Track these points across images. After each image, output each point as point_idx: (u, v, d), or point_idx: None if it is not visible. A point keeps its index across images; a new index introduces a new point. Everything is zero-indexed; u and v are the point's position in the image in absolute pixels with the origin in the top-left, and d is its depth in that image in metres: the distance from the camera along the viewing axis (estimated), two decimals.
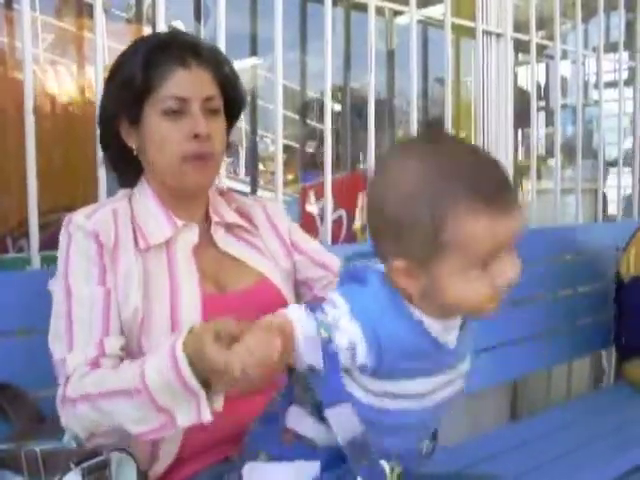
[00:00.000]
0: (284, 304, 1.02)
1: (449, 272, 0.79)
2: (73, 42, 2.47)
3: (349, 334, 0.82)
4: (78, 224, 1.17)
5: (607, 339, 2.39)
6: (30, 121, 1.45)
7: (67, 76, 2.37)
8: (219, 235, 1.27)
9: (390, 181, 0.82)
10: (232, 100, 1.28)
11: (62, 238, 1.19)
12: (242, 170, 3.15)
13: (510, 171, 2.59)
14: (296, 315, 0.85)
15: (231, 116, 1.29)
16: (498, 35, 2.50)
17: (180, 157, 1.18)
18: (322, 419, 0.88)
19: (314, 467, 0.91)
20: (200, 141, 1.18)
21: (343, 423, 0.84)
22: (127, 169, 1.27)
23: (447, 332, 0.88)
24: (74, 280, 1.14)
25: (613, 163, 3.08)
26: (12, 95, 1.52)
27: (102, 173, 1.55)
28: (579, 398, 2.47)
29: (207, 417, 0.97)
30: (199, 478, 1.14)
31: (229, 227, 1.29)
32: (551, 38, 2.72)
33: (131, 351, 1.13)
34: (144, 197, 1.24)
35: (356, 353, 0.82)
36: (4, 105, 1.74)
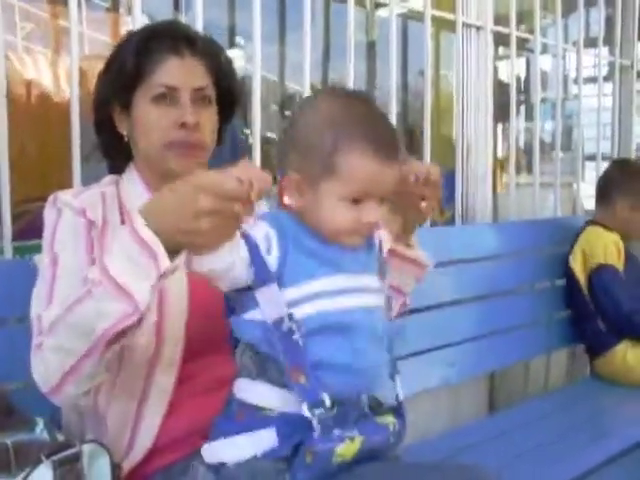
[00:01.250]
0: None
1: (328, 194, 0.95)
2: (52, 31, 2.44)
3: (262, 229, 0.95)
4: (66, 201, 1.17)
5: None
6: (2, 103, 1.43)
7: (45, 65, 2.34)
8: None
9: (306, 113, 1.00)
10: (226, 91, 1.28)
11: (49, 214, 1.18)
12: None
13: (489, 164, 2.60)
14: None
15: (226, 107, 1.29)
16: (478, 28, 2.50)
17: (165, 143, 1.19)
18: (264, 373, 0.96)
19: (270, 436, 0.95)
20: (187, 130, 1.18)
21: (270, 302, 0.94)
22: (118, 156, 1.28)
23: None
24: (61, 250, 1.13)
25: (592, 158, 3.11)
26: None
27: (77, 163, 1.54)
28: (556, 390, 2.50)
29: (165, 265, 0.91)
30: (172, 469, 1.13)
31: None
32: (531, 32, 2.73)
33: None
34: (131, 183, 1.25)
35: (271, 245, 0.95)
36: None
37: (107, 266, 0.94)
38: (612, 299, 2.24)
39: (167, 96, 1.19)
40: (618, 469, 1.88)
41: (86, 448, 1.02)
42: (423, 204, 1.15)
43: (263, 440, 0.95)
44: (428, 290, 1.85)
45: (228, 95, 1.29)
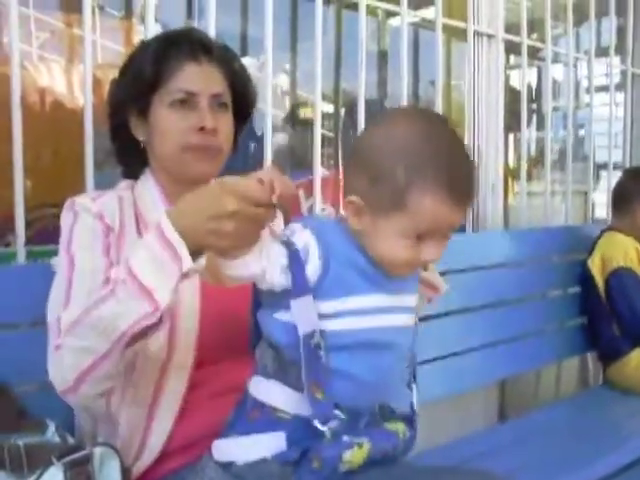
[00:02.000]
0: None
1: (389, 230, 0.91)
2: (66, 39, 2.46)
3: (303, 238, 0.92)
4: (84, 205, 1.19)
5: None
6: (17, 116, 1.45)
7: (59, 73, 2.37)
8: None
9: (381, 135, 0.93)
10: (242, 97, 1.29)
11: (65, 217, 1.19)
12: None
13: (501, 172, 2.59)
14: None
15: (241, 114, 1.30)
16: (489, 36, 2.50)
17: (183, 146, 1.20)
18: (283, 375, 0.94)
19: (279, 439, 0.94)
20: (205, 134, 1.20)
21: (304, 314, 0.91)
22: (133, 161, 1.29)
23: None
24: (78, 252, 1.14)
25: (603, 166, 3.10)
26: (1, 90, 1.51)
27: (90, 170, 1.56)
28: (567, 399, 2.48)
29: (188, 264, 0.92)
30: (182, 473, 1.13)
31: None
32: (543, 41, 2.73)
33: None
34: (147, 188, 1.26)
35: (309, 255, 0.91)
36: None
37: (132, 266, 0.95)
38: (629, 302, 2.24)
39: (186, 101, 1.20)
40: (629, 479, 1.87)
41: (97, 451, 1.03)
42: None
43: (272, 443, 0.95)
44: (438, 298, 1.85)
45: (243, 101, 1.30)
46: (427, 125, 0.93)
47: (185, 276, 0.94)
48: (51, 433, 1.08)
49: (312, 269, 0.92)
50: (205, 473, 1.00)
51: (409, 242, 0.91)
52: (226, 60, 1.26)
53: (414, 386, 1.06)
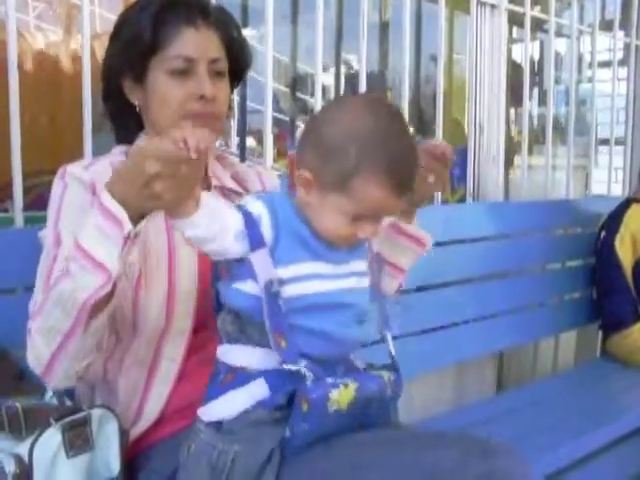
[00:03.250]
0: None
1: (331, 206, 0.97)
2: (63, 10, 2.44)
3: (256, 208, 0.98)
4: (75, 175, 1.18)
5: (593, 314, 2.40)
6: (14, 75, 1.43)
7: (56, 43, 2.35)
8: None
9: (336, 116, 0.98)
10: (237, 63, 1.27)
11: (56, 187, 1.18)
12: (234, 142, 3.12)
13: (502, 144, 2.58)
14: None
15: (235, 79, 1.29)
16: (492, 6, 2.47)
17: (181, 115, 1.19)
18: (244, 336, 0.99)
19: (261, 387, 0.98)
20: (205, 102, 1.19)
21: (263, 265, 0.96)
22: (127, 124, 1.28)
23: None
24: (64, 229, 1.13)
25: (605, 142, 3.08)
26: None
27: (88, 138, 1.55)
28: (565, 371, 2.49)
29: (129, 227, 0.96)
30: (179, 436, 1.12)
31: (224, 192, 1.29)
32: (546, 13, 2.69)
33: (121, 305, 1.11)
34: None
35: (262, 225, 0.97)
36: None
37: (80, 241, 0.98)
38: None
39: (184, 68, 1.19)
40: (625, 450, 1.88)
41: (95, 413, 1.04)
42: (431, 178, 1.14)
43: (255, 392, 0.98)
44: (437, 268, 1.86)
45: (238, 66, 1.28)
46: (382, 114, 0.98)
47: (128, 239, 0.97)
48: (49, 397, 1.09)
49: (266, 237, 0.97)
50: (196, 436, 1.01)
51: (348, 220, 0.97)
52: (223, 24, 1.24)
53: (388, 335, 1.09)
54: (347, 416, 0.98)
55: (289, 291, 0.97)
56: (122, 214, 0.96)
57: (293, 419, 0.96)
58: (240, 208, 0.98)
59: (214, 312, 1.08)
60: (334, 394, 0.95)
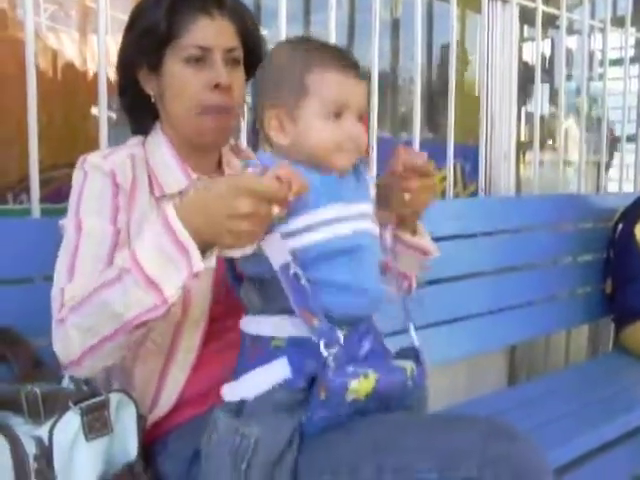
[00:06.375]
0: None
1: (308, 116, 0.99)
2: (76, 11, 2.46)
3: (255, 167, 0.97)
4: (95, 164, 1.18)
5: (605, 308, 2.40)
6: (32, 73, 1.44)
7: (70, 43, 2.37)
8: None
9: (278, 50, 1.06)
10: (252, 53, 1.27)
11: (76, 176, 1.19)
12: (244, 140, 3.13)
13: (513, 140, 2.58)
14: None
15: (249, 70, 1.28)
16: (504, 1, 2.47)
17: (199, 107, 1.19)
18: (270, 303, 0.99)
19: (283, 366, 0.98)
20: (220, 92, 1.18)
21: (275, 249, 0.95)
22: (142, 116, 1.28)
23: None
24: (85, 217, 1.14)
25: (617, 140, 3.07)
26: (14, 52, 1.51)
27: (104, 133, 1.56)
28: (576, 365, 2.48)
29: (199, 266, 0.94)
30: (195, 422, 1.15)
31: None
32: (558, 9, 2.69)
33: None
34: (158, 145, 1.25)
35: None
36: (6, 62, 1.75)
37: (137, 254, 0.96)
38: None
39: (200, 58, 1.18)
40: (639, 442, 1.87)
41: (113, 397, 1.04)
42: (407, 196, 1.10)
43: (277, 372, 0.98)
44: (449, 262, 1.86)
45: (253, 57, 1.28)
46: (306, 40, 1.08)
47: (196, 275, 0.95)
48: (66, 383, 1.10)
49: None
50: (216, 425, 1.01)
51: (329, 122, 0.99)
52: (238, 14, 1.25)
53: (411, 325, 1.09)
54: (365, 405, 0.98)
55: (307, 240, 0.97)
56: (192, 246, 0.93)
57: (312, 407, 0.96)
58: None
59: (230, 286, 1.08)
60: (353, 384, 0.94)
